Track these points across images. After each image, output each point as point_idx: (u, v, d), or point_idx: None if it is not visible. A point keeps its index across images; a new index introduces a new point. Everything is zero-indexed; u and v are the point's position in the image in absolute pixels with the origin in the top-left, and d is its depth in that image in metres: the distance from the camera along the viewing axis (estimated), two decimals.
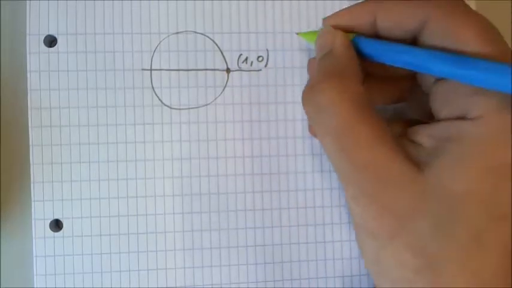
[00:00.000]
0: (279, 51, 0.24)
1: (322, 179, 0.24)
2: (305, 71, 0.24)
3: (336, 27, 0.20)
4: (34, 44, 0.23)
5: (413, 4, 0.19)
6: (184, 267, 0.23)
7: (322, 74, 0.19)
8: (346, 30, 0.20)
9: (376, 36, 0.20)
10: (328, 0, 0.24)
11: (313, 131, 0.23)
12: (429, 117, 0.21)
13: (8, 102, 0.24)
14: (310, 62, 0.23)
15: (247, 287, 0.23)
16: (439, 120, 0.19)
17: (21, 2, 0.23)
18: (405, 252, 0.17)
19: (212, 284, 0.23)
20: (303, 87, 0.24)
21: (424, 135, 0.19)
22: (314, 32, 0.22)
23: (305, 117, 0.24)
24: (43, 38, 0.23)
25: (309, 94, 0.20)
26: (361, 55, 0.20)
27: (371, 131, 0.18)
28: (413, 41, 0.19)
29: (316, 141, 0.24)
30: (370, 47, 0.20)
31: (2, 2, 0.24)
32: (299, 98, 0.24)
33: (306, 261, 0.24)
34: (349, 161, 0.18)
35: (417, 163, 0.18)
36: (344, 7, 0.24)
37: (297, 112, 0.24)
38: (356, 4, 0.20)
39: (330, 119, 0.18)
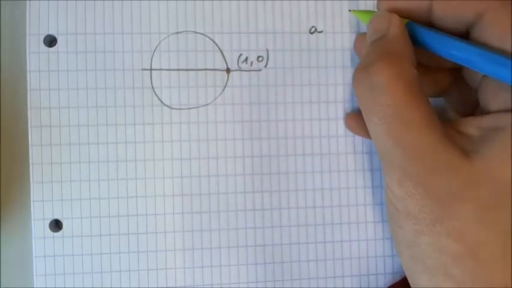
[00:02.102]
0: (279, 51, 0.24)
1: (322, 179, 0.24)
2: (305, 70, 0.24)
3: (391, 11, 0.20)
4: (34, 44, 0.23)
5: None
6: (184, 267, 0.23)
7: (377, 55, 0.19)
8: (400, 15, 0.20)
9: (429, 23, 0.20)
10: (328, 0, 0.24)
11: (349, 123, 0.23)
12: (467, 112, 0.21)
13: (8, 102, 0.24)
14: (358, 38, 0.23)
15: (247, 287, 0.23)
16: (487, 113, 0.19)
17: (21, 2, 0.23)
18: (446, 237, 0.17)
19: (212, 284, 0.23)
20: (303, 87, 0.24)
21: (472, 126, 0.19)
22: (368, 12, 0.22)
23: (305, 117, 0.24)
24: (43, 38, 0.23)
25: (363, 74, 0.19)
26: (412, 41, 0.20)
27: (423, 115, 0.18)
28: (466, 33, 0.19)
29: (316, 141, 0.24)
30: (422, 35, 0.20)
31: (2, 2, 0.24)
32: (299, 98, 0.24)
33: (306, 261, 0.24)
34: (398, 143, 0.18)
35: (465, 151, 0.18)
36: (343, 5, 0.24)
37: (297, 112, 0.24)
38: None
39: (384, 99, 0.18)
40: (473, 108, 0.22)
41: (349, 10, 0.24)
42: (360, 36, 0.23)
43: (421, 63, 0.21)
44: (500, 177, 0.17)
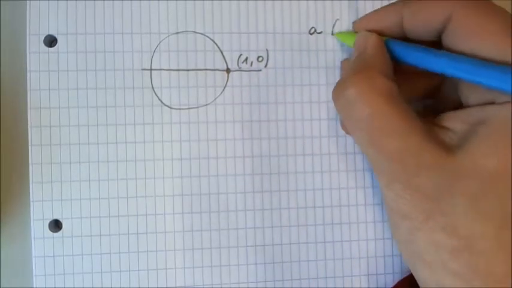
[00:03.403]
0: (279, 51, 0.24)
1: (322, 179, 0.24)
2: (305, 70, 0.24)
3: (369, 31, 0.21)
4: (34, 44, 0.23)
5: (437, 2, 0.19)
6: (184, 267, 0.23)
7: (352, 71, 0.20)
8: (379, 34, 0.21)
9: (405, 37, 0.21)
10: (327, 0, 0.24)
11: (344, 127, 0.24)
12: (457, 107, 0.21)
13: (8, 102, 0.24)
14: (343, 63, 0.24)
15: (247, 287, 0.23)
16: (468, 107, 0.19)
17: (21, 2, 0.23)
18: (440, 233, 0.17)
19: (212, 284, 0.23)
20: (303, 87, 0.24)
21: (455, 120, 0.19)
22: (349, 33, 0.23)
23: (305, 117, 0.24)
24: (43, 38, 0.23)
25: (339, 89, 0.20)
26: (392, 56, 0.21)
27: (400, 120, 0.18)
28: (439, 41, 0.20)
29: (316, 141, 0.24)
30: (399, 51, 0.20)
31: (2, 2, 0.24)
32: (299, 98, 0.24)
33: (306, 261, 0.24)
34: (380, 151, 0.19)
35: (448, 147, 0.18)
36: (343, 7, 0.24)
37: (297, 112, 0.24)
38: (384, 6, 0.21)
39: (359, 111, 0.19)
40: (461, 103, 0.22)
41: (332, 34, 0.24)
42: (344, 61, 0.24)
43: (409, 68, 0.22)
44: (485, 168, 0.17)
